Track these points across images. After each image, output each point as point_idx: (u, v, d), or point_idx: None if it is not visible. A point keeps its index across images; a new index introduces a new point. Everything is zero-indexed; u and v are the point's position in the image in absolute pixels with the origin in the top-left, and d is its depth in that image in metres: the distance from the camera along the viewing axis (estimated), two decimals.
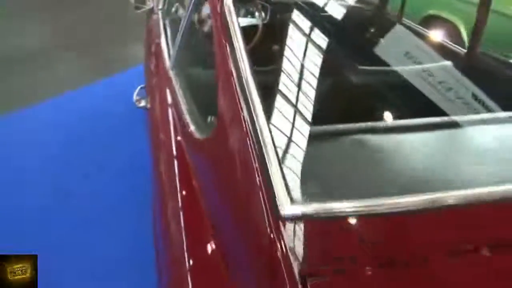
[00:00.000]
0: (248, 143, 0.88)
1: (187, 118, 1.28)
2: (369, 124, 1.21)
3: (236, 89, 0.99)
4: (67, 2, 5.78)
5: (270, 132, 0.87)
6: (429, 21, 4.07)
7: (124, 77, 3.91)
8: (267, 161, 0.80)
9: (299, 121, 1.15)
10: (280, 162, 0.82)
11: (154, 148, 1.46)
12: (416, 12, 3.93)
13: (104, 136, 2.99)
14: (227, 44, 1.09)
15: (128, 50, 4.37)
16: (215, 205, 1.04)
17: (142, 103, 1.78)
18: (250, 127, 0.90)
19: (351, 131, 1.18)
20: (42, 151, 2.80)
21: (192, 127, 1.20)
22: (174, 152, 1.27)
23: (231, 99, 1.01)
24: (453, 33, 3.92)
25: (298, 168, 0.89)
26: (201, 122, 1.22)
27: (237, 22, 1.13)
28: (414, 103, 1.55)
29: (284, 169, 0.81)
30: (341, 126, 1.18)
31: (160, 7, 2.41)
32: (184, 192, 1.14)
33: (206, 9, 1.86)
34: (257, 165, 0.83)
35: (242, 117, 0.94)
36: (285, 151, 0.96)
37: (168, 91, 1.56)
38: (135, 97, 1.81)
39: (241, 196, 0.91)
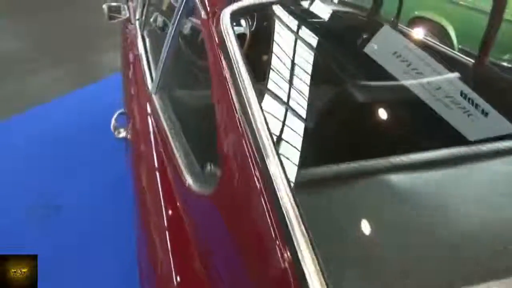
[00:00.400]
0: (265, 210, 0.70)
1: (179, 161, 1.07)
2: (392, 160, 1.04)
3: (243, 131, 0.80)
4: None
5: (294, 198, 0.68)
6: (416, 23, 3.97)
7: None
8: (296, 246, 0.62)
9: (316, 162, 0.97)
10: (312, 239, 0.63)
11: (138, 193, 1.24)
12: (402, 15, 3.82)
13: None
14: (227, 74, 0.90)
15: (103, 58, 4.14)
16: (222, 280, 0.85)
17: (122, 133, 1.54)
18: (266, 187, 0.71)
19: (375, 170, 1.01)
20: None
21: (186, 177, 0.99)
22: (163, 204, 1.05)
23: (236, 144, 0.82)
24: (441, 34, 3.84)
25: (329, 240, 0.71)
26: (197, 169, 1.02)
27: (238, 46, 0.93)
28: (427, 124, 1.39)
29: (315, 247, 0.63)
30: (363, 165, 1.01)
31: (137, 17, 2.18)
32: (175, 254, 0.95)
33: (195, 25, 1.64)
34: (281, 246, 0.64)
35: (253, 173, 0.75)
36: (309, 215, 0.77)
37: (152, 121, 1.35)
38: (113, 125, 1.58)
39: (258, 280, 0.72)
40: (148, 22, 2.10)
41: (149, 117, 1.37)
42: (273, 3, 1.02)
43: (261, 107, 0.83)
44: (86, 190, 2.49)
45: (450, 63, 1.65)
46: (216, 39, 0.96)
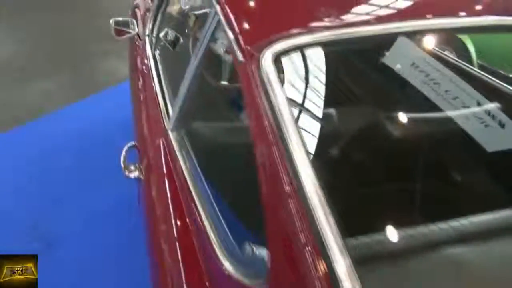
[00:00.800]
0: None
1: (208, 230, 0.91)
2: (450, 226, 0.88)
3: (296, 209, 0.65)
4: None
5: None
6: (434, 36, 3.81)
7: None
8: None
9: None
10: None
11: (154, 251, 1.08)
12: None
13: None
14: (271, 127, 0.76)
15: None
16: None
17: (133, 173, 1.37)
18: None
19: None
20: None
21: (220, 257, 0.82)
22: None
23: (286, 218, 0.68)
24: (459, 48, 3.70)
25: None
26: (232, 245, 0.85)
27: (283, 96, 0.78)
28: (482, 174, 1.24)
29: None
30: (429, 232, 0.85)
31: (147, 32, 2.01)
32: None
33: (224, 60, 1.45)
34: None
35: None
36: None
37: (169, 166, 1.18)
38: (123, 158, 1.39)
39: None
40: (159, 40, 1.93)
41: (165, 161, 1.20)
42: (322, 44, 0.86)
43: (315, 174, 0.68)
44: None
45: (466, 75, 1.58)
46: (257, 86, 0.81)
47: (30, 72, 3.80)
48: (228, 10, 0.94)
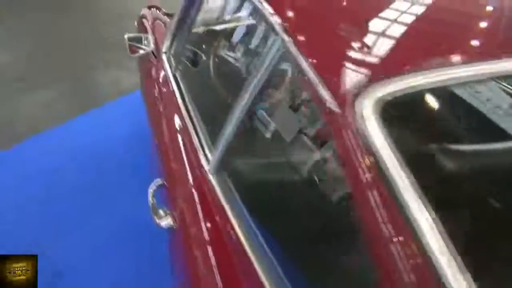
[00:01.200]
0: None
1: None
2: None
3: None
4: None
5: None
6: None
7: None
8: None
9: None
10: None
11: None
12: None
13: None
14: (381, 197, 0.61)
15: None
16: None
17: (165, 220, 1.14)
18: None
19: None
20: None
21: None
22: None
23: None
24: None
25: None
26: None
27: (391, 152, 0.62)
28: None
29: None
30: None
31: (164, 50, 1.82)
32: None
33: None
34: None
35: None
36: None
37: (212, 214, 1.00)
38: (151, 203, 1.21)
39: None
40: (178, 58, 1.74)
41: (205, 209, 1.03)
42: (436, 88, 0.69)
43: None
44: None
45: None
46: (357, 142, 0.64)
47: (30, 80, 3.59)
48: (310, 46, 0.76)
